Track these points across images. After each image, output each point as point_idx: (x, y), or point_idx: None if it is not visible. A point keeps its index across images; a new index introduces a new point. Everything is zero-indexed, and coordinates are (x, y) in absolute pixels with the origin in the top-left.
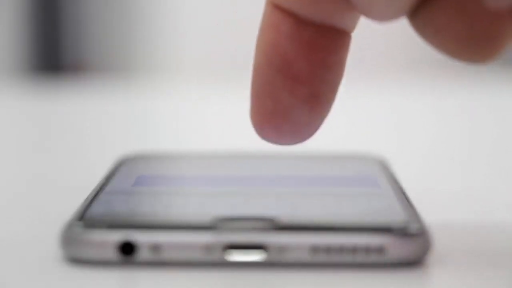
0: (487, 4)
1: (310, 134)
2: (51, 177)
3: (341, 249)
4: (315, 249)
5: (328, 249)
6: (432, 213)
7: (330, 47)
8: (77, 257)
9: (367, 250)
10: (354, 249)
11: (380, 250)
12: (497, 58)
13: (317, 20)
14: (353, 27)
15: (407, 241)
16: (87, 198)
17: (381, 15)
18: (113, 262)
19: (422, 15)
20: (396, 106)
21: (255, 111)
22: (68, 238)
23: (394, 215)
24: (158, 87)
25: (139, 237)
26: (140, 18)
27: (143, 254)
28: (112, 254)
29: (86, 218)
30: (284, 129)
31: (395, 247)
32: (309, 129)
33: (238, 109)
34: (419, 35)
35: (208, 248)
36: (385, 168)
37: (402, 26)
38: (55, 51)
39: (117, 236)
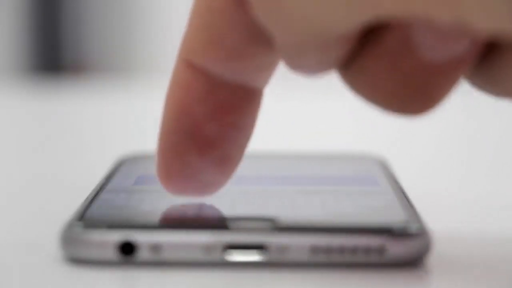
0: (422, 57)
1: (217, 190)
2: (51, 177)
3: (341, 249)
4: (315, 249)
5: (328, 249)
6: (432, 213)
7: (243, 107)
8: (77, 257)
9: (367, 250)
10: (354, 249)
11: (380, 250)
12: (432, 111)
13: (232, 80)
14: (266, 85)
15: (407, 241)
16: (87, 198)
17: (310, 69)
18: (113, 262)
19: (353, 69)
20: None
21: (161, 170)
22: (68, 238)
23: (394, 215)
24: (158, 87)
25: (139, 237)
26: (140, 18)
27: (143, 254)
28: (112, 254)
29: (86, 218)
30: (190, 187)
31: (395, 247)
32: (215, 187)
33: None
34: (350, 88)
35: (208, 248)
36: (385, 168)
37: None
38: (55, 51)
39: (117, 236)
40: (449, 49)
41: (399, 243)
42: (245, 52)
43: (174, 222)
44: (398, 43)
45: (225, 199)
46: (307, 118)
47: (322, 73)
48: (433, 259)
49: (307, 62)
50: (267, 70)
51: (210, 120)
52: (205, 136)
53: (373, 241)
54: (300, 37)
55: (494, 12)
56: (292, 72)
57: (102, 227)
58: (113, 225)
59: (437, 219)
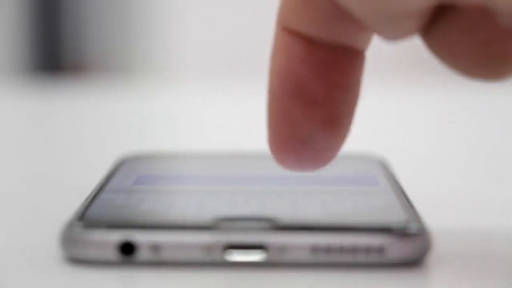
0: (501, 22)
1: (331, 158)
2: (51, 177)
3: (341, 249)
4: (315, 249)
5: (328, 249)
6: (432, 213)
7: (344, 68)
8: (77, 257)
9: (367, 250)
10: (354, 249)
11: (380, 250)
12: (510, 77)
13: (330, 41)
14: (367, 46)
15: (407, 241)
16: (87, 198)
17: (393, 34)
18: (113, 262)
19: (434, 33)
20: (397, 106)
21: (272, 138)
22: (68, 238)
23: (394, 215)
24: (158, 87)
25: (139, 237)
26: (140, 18)
27: (143, 254)
28: (112, 254)
29: (86, 218)
30: (303, 155)
31: (395, 247)
32: (329, 153)
33: (238, 108)
34: (432, 53)
35: (208, 248)
36: (385, 168)
37: None
38: (55, 51)
39: (117, 236)
40: None
41: (399, 243)
42: (336, 15)
43: (174, 222)
44: (476, 11)
45: (225, 199)
46: None
47: (404, 38)
48: (433, 259)
49: (389, 30)
50: (363, 32)
51: (313, 80)
52: (310, 97)
53: (373, 241)
54: (370, 11)
55: None
56: (378, 37)
57: (102, 227)
58: (113, 225)
59: (437, 219)
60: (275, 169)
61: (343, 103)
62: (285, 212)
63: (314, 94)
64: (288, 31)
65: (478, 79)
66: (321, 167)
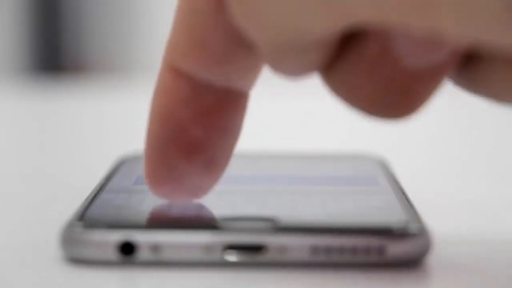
0: (401, 63)
1: (204, 194)
2: (51, 177)
3: (341, 249)
4: (315, 249)
5: (328, 249)
6: (432, 213)
7: (228, 111)
8: (77, 257)
9: (367, 250)
10: (354, 249)
11: (380, 250)
12: (414, 115)
13: (216, 83)
14: (252, 88)
15: (407, 241)
16: (87, 198)
17: (292, 69)
18: (113, 262)
19: (334, 73)
20: None
21: (148, 174)
22: (68, 238)
23: (394, 215)
24: None
25: (139, 237)
26: (140, 18)
27: (143, 254)
28: (112, 254)
29: (86, 218)
30: (178, 192)
31: (395, 247)
32: (203, 191)
33: None
34: (331, 92)
35: (208, 248)
36: (385, 168)
37: None
38: (55, 51)
39: (117, 236)
40: (429, 56)
41: (399, 243)
42: (229, 55)
43: (174, 222)
44: (378, 49)
45: (225, 199)
46: (308, 118)
47: (304, 75)
48: (433, 259)
49: (287, 65)
50: (252, 73)
51: (195, 124)
52: (191, 141)
53: (373, 241)
54: (276, 40)
55: (472, 21)
56: (275, 74)
57: (102, 227)
58: (113, 225)
59: (437, 219)
60: (275, 169)
61: (223, 146)
62: (285, 212)
63: (194, 138)
64: (173, 71)
65: (379, 118)
66: (194, 199)
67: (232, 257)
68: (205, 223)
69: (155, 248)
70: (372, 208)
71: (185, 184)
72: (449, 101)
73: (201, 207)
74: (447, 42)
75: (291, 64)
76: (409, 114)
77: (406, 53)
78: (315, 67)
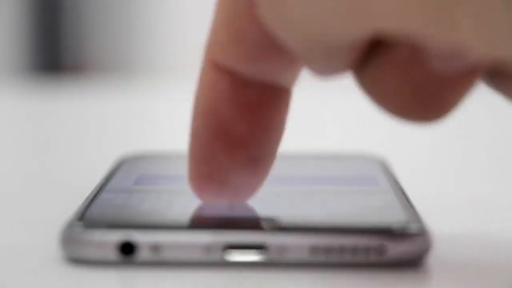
0: (432, 68)
1: (250, 195)
2: (51, 177)
3: (341, 249)
4: (315, 249)
5: (328, 249)
6: (432, 213)
7: (270, 107)
8: (77, 257)
9: (367, 250)
10: (354, 249)
11: (380, 250)
12: (444, 118)
13: (258, 79)
14: (294, 84)
15: (407, 241)
16: (87, 198)
17: (324, 69)
18: (113, 262)
19: (366, 72)
20: None
21: (193, 175)
22: (68, 238)
23: (394, 215)
24: (157, 87)
25: (139, 237)
26: (140, 18)
27: (143, 254)
28: (112, 254)
29: (86, 218)
30: (223, 193)
31: (395, 247)
32: (248, 192)
33: None
34: (363, 91)
35: (208, 248)
36: (385, 168)
37: None
38: (55, 51)
39: (117, 236)
40: (458, 63)
41: (399, 243)
42: (266, 51)
43: (174, 222)
44: (409, 54)
45: None
46: (307, 117)
47: (336, 75)
48: (433, 259)
49: (317, 65)
50: (292, 69)
51: (238, 120)
52: (234, 137)
53: (373, 241)
54: (303, 43)
55: (493, 39)
56: (308, 72)
57: (102, 227)
58: (113, 225)
59: (437, 219)
60: (275, 169)
61: (266, 143)
62: (285, 212)
63: (237, 134)
64: (216, 67)
65: (409, 121)
66: (239, 202)
67: (232, 257)
68: (205, 223)
69: (155, 248)
70: (372, 208)
71: (229, 184)
72: None
73: (201, 207)
74: (470, 56)
75: (321, 65)
76: (438, 118)
77: (437, 58)
78: (346, 67)
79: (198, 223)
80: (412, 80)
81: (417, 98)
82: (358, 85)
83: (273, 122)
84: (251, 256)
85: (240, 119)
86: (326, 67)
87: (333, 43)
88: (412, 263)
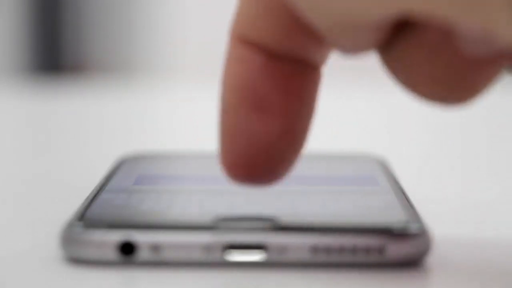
0: (462, 50)
1: (286, 172)
2: (51, 177)
3: (341, 249)
4: (315, 249)
5: (328, 249)
6: (432, 213)
7: (303, 80)
8: (77, 257)
9: (367, 250)
10: (354, 249)
11: (380, 250)
12: (471, 101)
13: (288, 54)
14: (324, 63)
15: (407, 241)
16: (87, 198)
17: (350, 47)
18: (113, 262)
19: (393, 51)
20: (397, 106)
21: (227, 153)
22: (68, 238)
23: (394, 215)
24: (157, 87)
25: (139, 237)
26: (140, 18)
27: (143, 254)
28: (112, 254)
29: (86, 218)
30: (259, 169)
31: (395, 247)
32: (285, 167)
33: None
34: (388, 71)
35: (208, 248)
36: (385, 168)
37: None
38: (55, 51)
39: (117, 236)
40: (488, 46)
41: (399, 243)
42: (296, 27)
43: (174, 222)
44: (439, 34)
45: (225, 199)
46: None
47: (362, 53)
48: (433, 259)
49: (343, 44)
50: (321, 46)
51: (272, 91)
52: (269, 108)
53: (373, 241)
54: (328, 22)
55: None
56: (335, 50)
57: (102, 227)
58: (113, 225)
59: (437, 219)
60: None
61: (301, 115)
62: (285, 212)
63: (272, 105)
64: (245, 42)
65: (434, 103)
66: (274, 181)
67: (232, 257)
68: (205, 223)
69: (155, 248)
70: (372, 208)
71: (265, 158)
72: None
73: (201, 207)
74: (501, 41)
75: (347, 43)
76: (465, 101)
77: (468, 40)
78: (372, 46)
79: (198, 223)
80: (441, 61)
81: (445, 78)
82: (384, 64)
83: (307, 96)
84: (251, 256)
85: (274, 90)
86: (352, 46)
87: (359, 23)
88: (412, 263)
